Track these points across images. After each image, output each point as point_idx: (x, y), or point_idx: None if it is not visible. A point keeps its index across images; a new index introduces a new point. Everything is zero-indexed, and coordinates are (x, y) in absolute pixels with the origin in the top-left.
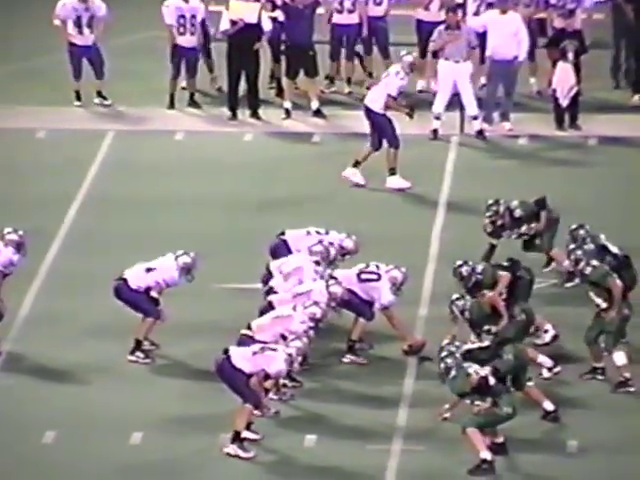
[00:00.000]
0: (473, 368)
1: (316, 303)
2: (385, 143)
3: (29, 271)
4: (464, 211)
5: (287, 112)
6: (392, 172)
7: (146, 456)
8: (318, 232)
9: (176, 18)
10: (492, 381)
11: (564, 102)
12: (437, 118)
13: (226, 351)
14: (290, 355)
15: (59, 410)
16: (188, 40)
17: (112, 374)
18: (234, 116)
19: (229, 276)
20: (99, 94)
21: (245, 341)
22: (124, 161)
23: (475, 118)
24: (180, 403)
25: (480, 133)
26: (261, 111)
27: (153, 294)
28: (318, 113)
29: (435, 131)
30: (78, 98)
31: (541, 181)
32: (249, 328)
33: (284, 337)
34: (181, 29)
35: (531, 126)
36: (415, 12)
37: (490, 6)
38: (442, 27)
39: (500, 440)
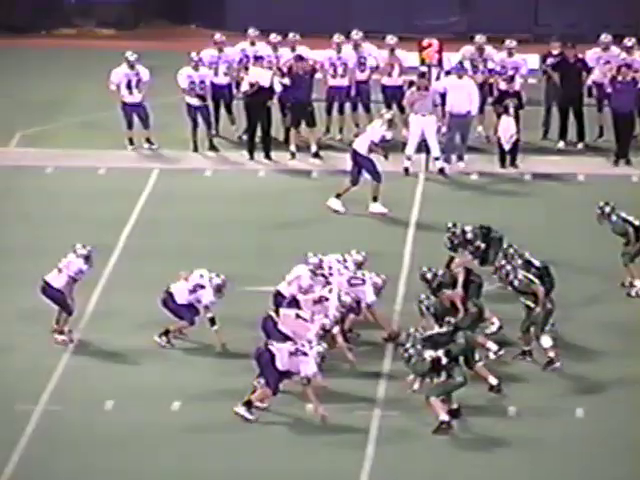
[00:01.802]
0: (428, 353)
1: (327, 316)
2: (369, 178)
3: (94, 277)
4: (429, 231)
5: (292, 154)
6: (374, 200)
7: (184, 419)
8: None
9: (187, 83)
10: (444, 360)
11: (506, 146)
12: (408, 159)
13: (266, 344)
14: (316, 357)
15: (117, 384)
16: (197, 100)
17: (158, 357)
18: (252, 157)
19: (250, 280)
20: (147, 140)
21: (268, 323)
22: (166, 192)
23: (437, 159)
24: (211, 378)
25: (441, 171)
26: (272, 153)
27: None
28: (316, 155)
29: (407, 169)
30: (131, 143)
31: (488, 208)
32: (277, 312)
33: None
34: (192, 92)
35: (480, 165)
36: (381, 78)
37: (448, 73)
38: (414, 88)
39: (455, 406)
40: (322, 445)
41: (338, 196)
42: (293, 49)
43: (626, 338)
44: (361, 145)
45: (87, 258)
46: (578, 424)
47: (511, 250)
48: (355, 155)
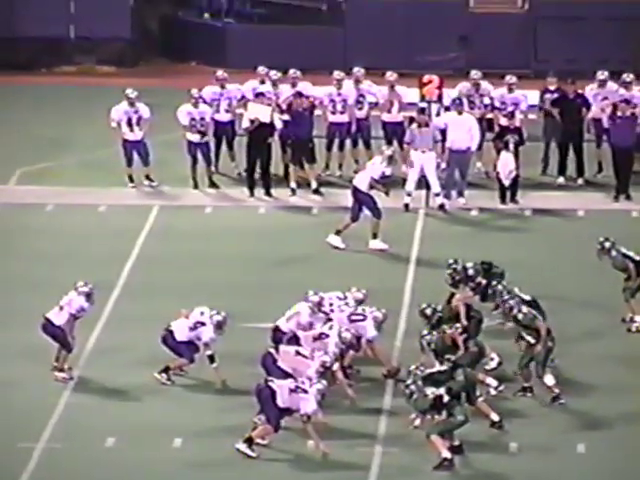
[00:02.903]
0: (430, 390)
1: (327, 353)
2: (369, 214)
3: (95, 314)
4: (430, 267)
5: (293, 191)
6: (374, 236)
7: (185, 456)
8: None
9: (188, 120)
10: (446, 398)
11: (506, 182)
12: (409, 195)
13: (267, 381)
14: (316, 394)
15: (118, 421)
16: (197, 137)
17: (158, 394)
18: (252, 194)
19: (250, 317)
20: (147, 177)
21: (268, 359)
22: (166, 229)
23: (437, 195)
24: (212, 415)
25: (442, 207)
26: (272, 190)
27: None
28: (316, 192)
29: (407, 205)
30: (131, 181)
31: (488, 244)
32: (276, 349)
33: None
34: (192, 128)
35: (480, 201)
36: (380, 114)
37: (447, 109)
38: (414, 125)
39: (457, 443)
40: None
41: (338, 232)
42: (293, 85)
43: (627, 373)
44: (361, 181)
45: (88, 295)
46: (579, 459)
47: (500, 287)
48: (355, 191)
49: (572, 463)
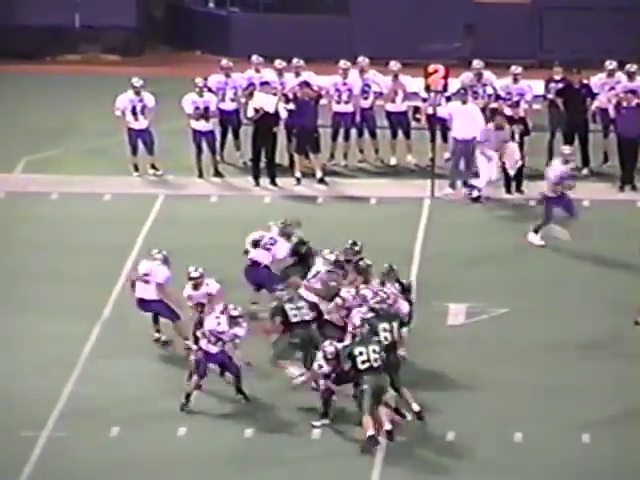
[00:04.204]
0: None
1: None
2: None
3: (99, 303)
4: (434, 257)
5: (298, 180)
6: (536, 231)
7: (190, 445)
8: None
9: (192, 109)
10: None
11: (511, 172)
12: (479, 190)
13: None
14: None
15: (122, 410)
16: (203, 125)
17: (165, 382)
18: (257, 183)
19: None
20: (152, 166)
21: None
22: (171, 218)
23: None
24: (216, 404)
25: (476, 199)
26: (277, 179)
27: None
28: (321, 181)
29: (476, 198)
30: (136, 169)
31: (494, 233)
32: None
33: None
34: (197, 117)
35: (486, 190)
36: (384, 104)
37: (448, 99)
38: (491, 125)
39: (417, 409)
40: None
41: (536, 231)
42: (297, 75)
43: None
44: (547, 189)
45: (165, 260)
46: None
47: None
48: (546, 200)
49: (577, 454)
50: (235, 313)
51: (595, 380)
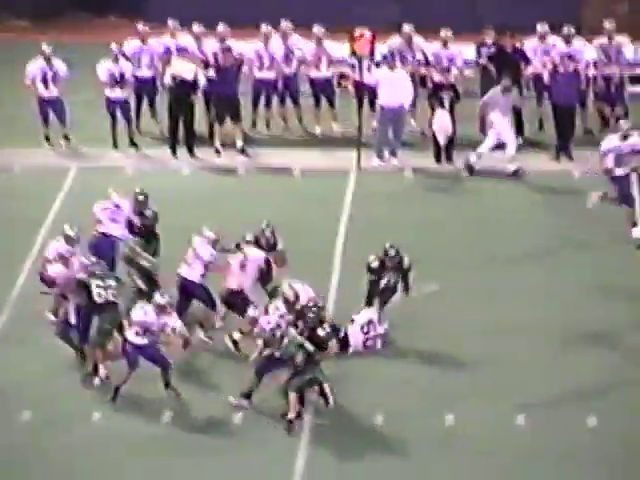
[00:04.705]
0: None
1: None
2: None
3: (9, 280)
4: (361, 229)
5: (217, 151)
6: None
7: (173, 430)
8: None
9: (107, 76)
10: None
11: (441, 141)
12: (478, 157)
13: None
14: None
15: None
16: (118, 93)
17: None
18: (174, 154)
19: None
20: (65, 137)
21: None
22: (84, 191)
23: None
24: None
25: (516, 172)
26: (196, 150)
27: None
28: (242, 151)
29: (471, 167)
30: (47, 140)
31: (423, 205)
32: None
33: None
34: (111, 84)
35: (415, 160)
36: (308, 71)
37: (377, 65)
38: (500, 88)
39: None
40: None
41: (635, 224)
42: (222, 41)
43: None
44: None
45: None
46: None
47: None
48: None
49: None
50: (162, 301)
51: (532, 361)
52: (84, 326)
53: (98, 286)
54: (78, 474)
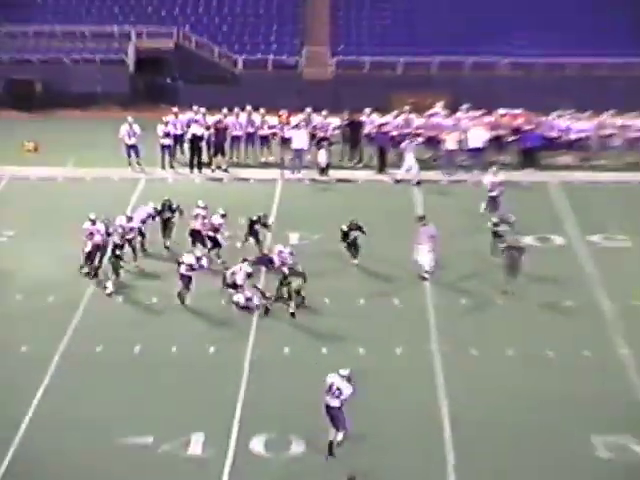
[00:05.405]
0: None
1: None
2: None
3: None
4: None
5: (212, 170)
6: None
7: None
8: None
9: (162, 132)
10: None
11: (322, 165)
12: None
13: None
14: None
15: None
16: (167, 141)
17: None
18: (192, 171)
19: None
20: (138, 163)
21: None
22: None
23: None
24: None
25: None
26: (203, 169)
27: None
28: (225, 170)
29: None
30: (129, 164)
31: (319, 199)
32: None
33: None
34: (163, 137)
35: (309, 173)
36: (260, 131)
37: (292, 128)
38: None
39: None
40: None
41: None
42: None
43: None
44: None
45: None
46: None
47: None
48: None
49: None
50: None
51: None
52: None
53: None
54: None
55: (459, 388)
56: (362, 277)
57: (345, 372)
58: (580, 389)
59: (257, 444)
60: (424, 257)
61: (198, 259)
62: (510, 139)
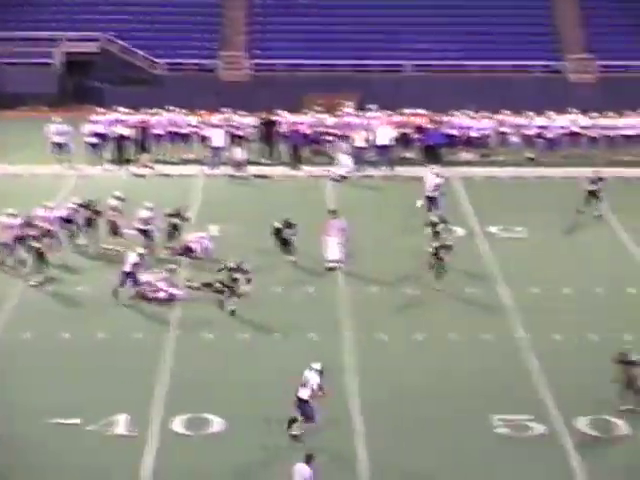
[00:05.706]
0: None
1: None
2: None
3: None
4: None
5: (140, 167)
6: None
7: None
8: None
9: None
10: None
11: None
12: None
13: None
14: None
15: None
16: (95, 141)
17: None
18: (121, 168)
19: None
20: (69, 161)
21: None
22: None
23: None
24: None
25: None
26: (130, 166)
27: None
28: (150, 167)
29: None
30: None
31: (238, 191)
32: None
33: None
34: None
35: (225, 170)
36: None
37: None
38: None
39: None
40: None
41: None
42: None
43: None
44: None
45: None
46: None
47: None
48: None
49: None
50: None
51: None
52: None
53: None
54: None
55: (369, 368)
56: (279, 266)
57: (317, 365)
58: (480, 370)
59: (178, 424)
60: (332, 249)
61: (141, 256)
62: (415, 137)
